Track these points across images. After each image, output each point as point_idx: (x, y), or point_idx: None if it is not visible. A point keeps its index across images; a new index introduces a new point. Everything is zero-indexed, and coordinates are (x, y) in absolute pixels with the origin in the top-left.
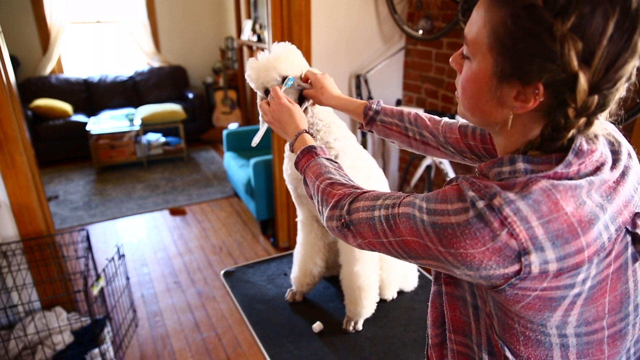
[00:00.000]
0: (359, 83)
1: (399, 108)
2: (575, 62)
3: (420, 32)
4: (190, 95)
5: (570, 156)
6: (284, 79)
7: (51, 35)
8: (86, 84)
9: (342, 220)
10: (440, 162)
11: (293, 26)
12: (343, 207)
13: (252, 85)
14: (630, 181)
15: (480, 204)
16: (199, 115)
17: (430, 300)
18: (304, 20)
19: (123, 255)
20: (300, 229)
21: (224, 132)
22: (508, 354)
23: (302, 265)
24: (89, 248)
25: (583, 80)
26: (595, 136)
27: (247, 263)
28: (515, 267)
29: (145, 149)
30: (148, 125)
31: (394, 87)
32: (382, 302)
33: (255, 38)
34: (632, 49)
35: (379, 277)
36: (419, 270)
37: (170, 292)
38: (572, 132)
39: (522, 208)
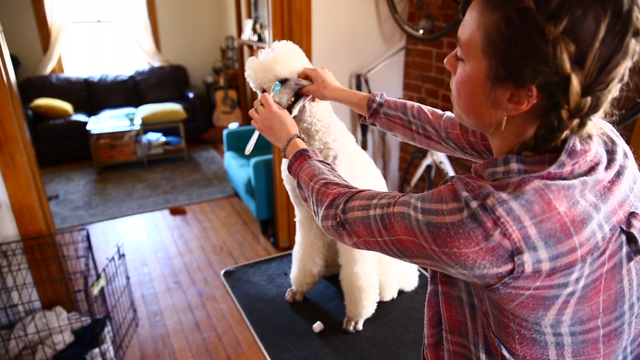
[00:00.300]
0: (360, 83)
1: (402, 100)
2: (567, 65)
3: (421, 31)
4: (191, 95)
5: (563, 156)
6: (282, 81)
7: (52, 34)
8: (86, 84)
9: (338, 219)
10: (441, 162)
11: (293, 26)
12: (338, 206)
13: (252, 85)
14: (626, 181)
15: (474, 204)
16: (199, 114)
17: (427, 299)
18: (304, 20)
19: (123, 255)
20: (299, 228)
21: (225, 132)
22: (505, 352)
23: (302, 264)
24: (89, 248)
25: (576, 83)
26: (589, 136)
27: (247, 263)
28: (509, 267)
29: (145, 148)
30: (148, 125)
31: (395, 86)
32: (382, 302)
33: (255, 38)
34: (624, 51)
35: (378, 279)
36: (419, 270)
37: (170, 292)
38: (566, 133)
39: (515, 208)
